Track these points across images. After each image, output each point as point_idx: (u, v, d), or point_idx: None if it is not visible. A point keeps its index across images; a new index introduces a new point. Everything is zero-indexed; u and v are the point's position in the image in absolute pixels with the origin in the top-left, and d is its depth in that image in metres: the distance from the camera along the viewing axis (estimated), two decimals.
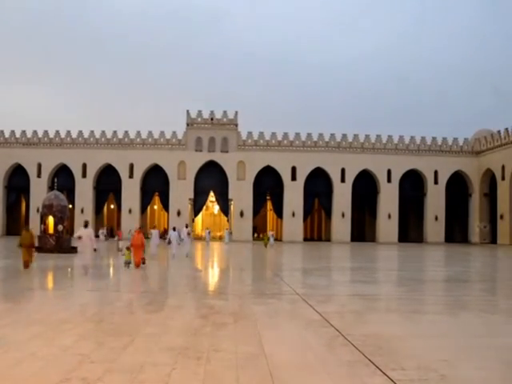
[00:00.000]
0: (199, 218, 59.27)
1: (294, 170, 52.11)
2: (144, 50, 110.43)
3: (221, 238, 51.98)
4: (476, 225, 53.04)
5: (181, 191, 51.37)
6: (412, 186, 53.56)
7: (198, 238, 51.06)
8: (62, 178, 47.15)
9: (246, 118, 55.11)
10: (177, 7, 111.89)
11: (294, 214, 51.78)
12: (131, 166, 52.19)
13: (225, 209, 53.41)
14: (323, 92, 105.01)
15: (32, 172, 52.20)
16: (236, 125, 52.33)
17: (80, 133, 53.10)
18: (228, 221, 53.32)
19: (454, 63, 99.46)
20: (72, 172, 51.99)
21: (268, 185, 52.60)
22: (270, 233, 43.17)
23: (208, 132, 51.72)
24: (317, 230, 62.90)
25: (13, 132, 53.35)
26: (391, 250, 37.37)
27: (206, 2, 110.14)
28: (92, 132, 53.13)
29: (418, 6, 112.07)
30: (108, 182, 52.60)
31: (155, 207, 60.11)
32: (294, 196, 51.76)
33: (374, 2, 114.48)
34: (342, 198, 52.07)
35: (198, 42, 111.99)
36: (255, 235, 53.42)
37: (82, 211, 51.34)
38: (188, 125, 52.23)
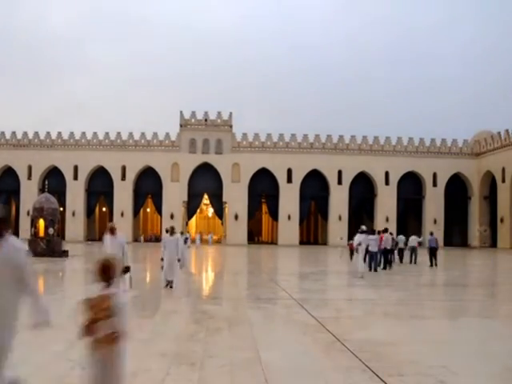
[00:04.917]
0: (193, 221, 59.02)
1: (289, 172, 51.91)
2: (142, 49, 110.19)
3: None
4: (476, 228, 52.42)
5: (174, 194, 51.00)
6: (410, 188, 53.07)
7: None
8: (53, 181, 46.56)
9: (240, 118, 54.77)
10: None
11: (289, 217, 51.52)
12: (123, 168, 51.82)
13: (219, 212, 53.13)
14: (321, 92, 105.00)
15: (22, 174, 51.64)
16: (230, 126, 52.08)
17: (71, 134, 52.59)
18: (222, 224, 53.07)
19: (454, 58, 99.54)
20: (63, 174, 51.52)
21: (263, 187, 52.29)
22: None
23: (202, 133, 51.46)
24: (313, 234, 62.49)
25: (2, 133, 52.77)
26: None
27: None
28: (83, 133, 52.63)
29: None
30: (100, 185, 52.16)
31: (148, 210, 59.79)
32: (289, 199, 51.49)
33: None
34: (339, 200, 51.77)
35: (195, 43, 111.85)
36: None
37: (74, 214, 50.94)
38: (181, 126, 51.94)
